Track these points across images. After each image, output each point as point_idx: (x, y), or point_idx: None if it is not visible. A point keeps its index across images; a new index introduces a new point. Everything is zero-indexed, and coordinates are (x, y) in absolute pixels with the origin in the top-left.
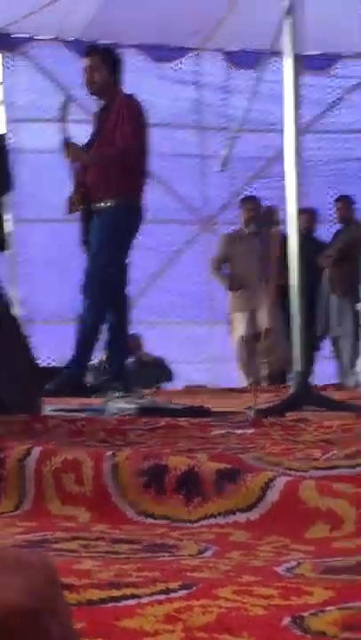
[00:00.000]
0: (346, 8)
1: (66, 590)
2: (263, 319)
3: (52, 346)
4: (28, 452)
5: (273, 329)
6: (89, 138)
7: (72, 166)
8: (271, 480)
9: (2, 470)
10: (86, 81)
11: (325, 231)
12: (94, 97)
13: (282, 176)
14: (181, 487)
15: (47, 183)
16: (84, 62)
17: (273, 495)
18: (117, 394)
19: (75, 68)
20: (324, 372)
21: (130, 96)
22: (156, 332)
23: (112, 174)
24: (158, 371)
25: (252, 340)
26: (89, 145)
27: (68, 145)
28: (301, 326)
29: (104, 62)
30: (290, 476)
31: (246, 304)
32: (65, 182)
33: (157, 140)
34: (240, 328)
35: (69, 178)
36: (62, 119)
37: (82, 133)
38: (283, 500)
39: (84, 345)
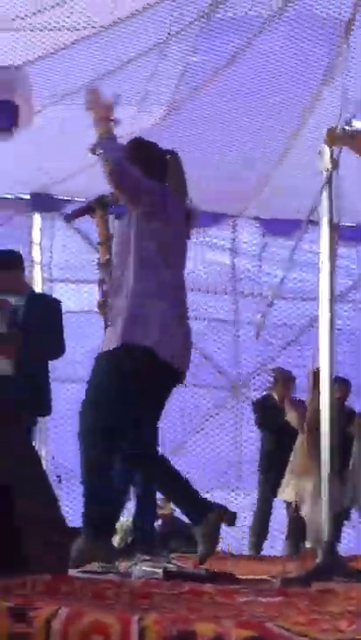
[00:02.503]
0: None
1: None
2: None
3: (81, 504)
4: (56, 613)
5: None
6: None
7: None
8: None
9: (30, 629)
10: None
11: (358, 401)
12: None
13: (315, 344)
14: None
15: (79, 343)
16: None
17: None
18: (143, 557)
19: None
20: (353, 541)
21: None
22: None
23: None
24: (186, 536)
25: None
26: None
27: (102, 305)
28: (332, 496)
29: None
30: None
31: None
32: (97, 342)
33: (192, 305)
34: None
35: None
36: (101, 280)
37: None
38: None
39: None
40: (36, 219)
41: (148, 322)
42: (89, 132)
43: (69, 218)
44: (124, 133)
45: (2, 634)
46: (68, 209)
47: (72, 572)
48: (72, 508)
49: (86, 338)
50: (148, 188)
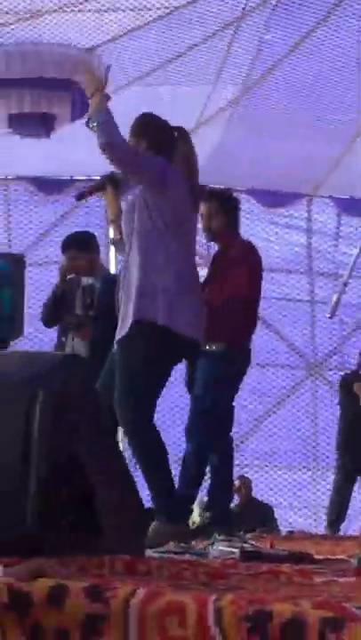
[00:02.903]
0: None
1: None
2: None
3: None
4: (134, 593)
5: None
6: (204, 280)
7: None
8: None
9: (107, 609)
10: (203, 226)
11: None
12: (212, 242)
13: None
14: (285, 634)
15: None
16: (202, 208)
17: None
18: (220, 537)
19: None
20: None
21: (247, 243)
22: (260, 475)
23: (222, 319)
24: (262, 515)
25: None
26: (203, 287)
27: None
28: None
29: (222, 208)
30: None
31: None
32: None
33: (268, 285)
34: None
35: None
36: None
37: None
38: None
39: (189, 486)
40: None
41: (155, 296)
42: (164, 113)
43: (80, 196)
44: (198, 113)
45: (79, 614)
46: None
47: (149, 552)
48: (146, 491)
49: None
50: (147, 161)
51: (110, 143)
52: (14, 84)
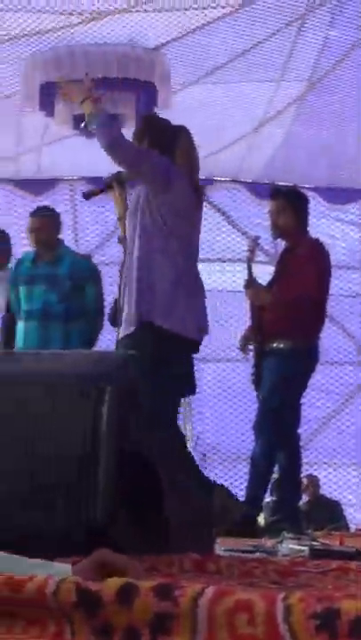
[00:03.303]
0: None
1: None
2: None
3: (226, 484)
4: (202, 592)
5: None
6: (271, 277)
7: (251, 305)
8: None
9: (176, 608)
10: (272, 224)
11: None
12: (279, 239)
13: None
14: (355, 632)
15: (223, 322)
16: (270, 205)
17: None
18: (289, 535)
19: (253, 209)
20: None
21: (316, 241)
22: (328, 473)
23: (290, 316)
24: (331, 513)
25: None
26: (270, 284)
27: (251, 282)
28: None
29: (289, 205)
30: None
31: None
32: (240, 321)
33: (334, 282)
34: None
35: (248, 316)
36: (249, 258)
37: (260, 274)
38: None
39: (258, 484)
40: None
41: (154, 296)
42: (228, 111)
43: (88, 195)
44: (263, 110)
45: (148, 612)
46: (208, 188)
47: (218, 550)
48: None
49: (230, 317)
50: (151, 159)
51: (112, 143)
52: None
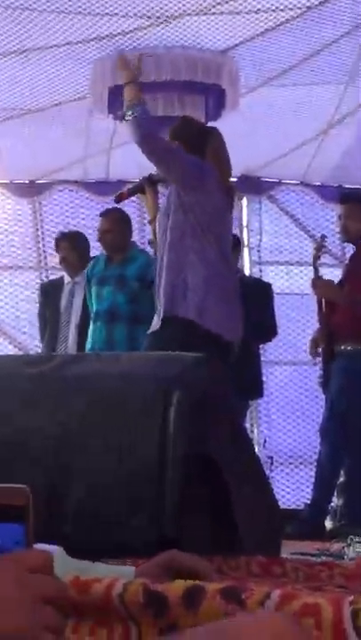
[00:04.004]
0: None
1: None
2: None
3: (292, 487)
4: (268, 595)
5: None
6: (340, 280)
7: (319, 308)
8: None
9: (243, 612)
10: (341, 228)
11: None
12: (349, 243)
13: None
14: None
15: (291, 325)
16: (340, 209)
17: None
18: (356, 539)
19: (320, 212)
20: None
21: None
22: None
23: (359, 319)
24: None
25: None
26: (339, 286)
27: (318, 279)
28: None
29: (359, 209)
30: None
31: None
32: (309, 324)
33: None
34: None
35: (315, 319)
36: (315, 257)
37: (328, 277)
38: None
39: (324, 488)
40: (244, 201)
41: (185, 294)
42: (296, 114)
43: (119, 198)
44: (331, 113)
45: (215, 615)
46: (276, 191)
47: (284, 554)
48: (284, 490)
49: (298, 320)
50: (184, 158)
51: (145, 136)
52: (146, 88)
